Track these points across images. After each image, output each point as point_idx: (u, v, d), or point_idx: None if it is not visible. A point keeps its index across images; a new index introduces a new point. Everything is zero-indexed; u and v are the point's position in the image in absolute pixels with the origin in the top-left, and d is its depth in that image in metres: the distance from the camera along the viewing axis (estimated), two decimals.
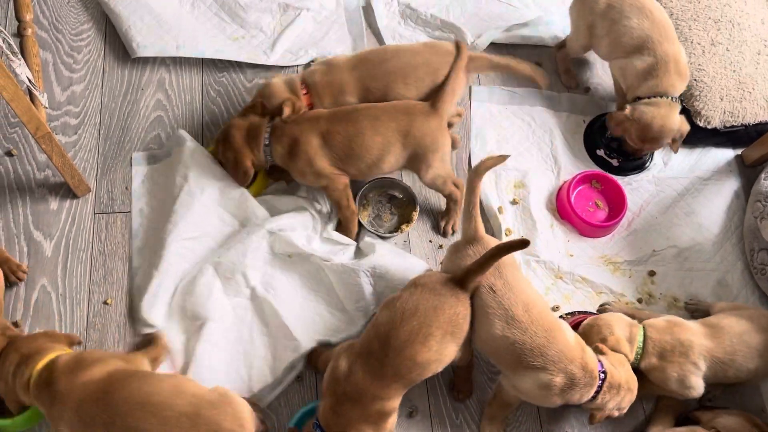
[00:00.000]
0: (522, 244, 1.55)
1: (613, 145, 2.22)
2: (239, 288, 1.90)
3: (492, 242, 1.68)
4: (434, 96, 1.90)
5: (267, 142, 1.89)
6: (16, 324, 1.84)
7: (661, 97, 2.02)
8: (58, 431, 1.49)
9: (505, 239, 2.09)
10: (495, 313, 1.59)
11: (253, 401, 1.72)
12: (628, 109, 2.05)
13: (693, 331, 1.76)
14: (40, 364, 1.52)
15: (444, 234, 2.09)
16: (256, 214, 1.97)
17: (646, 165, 2.25)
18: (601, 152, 2.23)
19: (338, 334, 1.87)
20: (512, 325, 1.57)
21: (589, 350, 1.62)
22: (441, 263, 1.83)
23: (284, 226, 1.94)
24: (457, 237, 2.02)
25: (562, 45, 2.34)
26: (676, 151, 2.14)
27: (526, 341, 1.57)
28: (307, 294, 1.93)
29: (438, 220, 2.11)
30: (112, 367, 1.53)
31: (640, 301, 2.04)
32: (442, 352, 1.56)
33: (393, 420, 1.59)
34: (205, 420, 1.44)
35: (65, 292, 1.91)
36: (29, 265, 1.93)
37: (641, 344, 1.74)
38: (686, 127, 2.07)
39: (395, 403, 1.57)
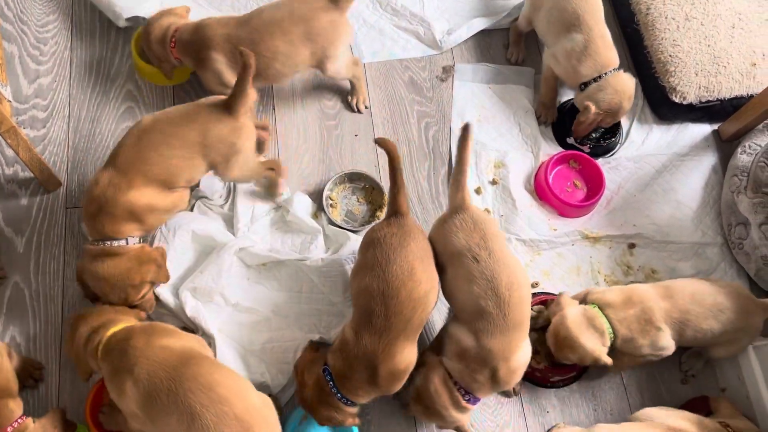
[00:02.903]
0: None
1: (589, 134, 2.21)
2: (221, 308, 1.86)
3: (478, 211, 1.68)
4: (230, 97, 1.74)
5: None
6: None
7: (606, 73, 2.04)
8: (121, 389, 1.46)
9: None
10: (477, 281, 1.57)
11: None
12: (593, 106, 2.04)
13: (649, 296, 1.78)
14: (111, 331, 1.55)
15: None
16: (222, 238, 1.93)
17: (616, 148, 2.24)
18: (571, 140, 2.22)
19: (330, 330, 1.85)
20: (489, 296, 1.56)
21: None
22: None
23: (250, 241, 1.92)
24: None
25: (517, 18, 2.34)
26: (620, 141, 2.23)
27: (494, 317, 1.55)
28: (291, 297, 1.90)
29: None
30: (188, 344, 1.54)
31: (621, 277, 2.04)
32: (430, 275, 1.61)
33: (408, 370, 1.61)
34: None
35: (39, 288, 1.88)
36: (1, 263, 1.89)
37: (611, 330, 1.74)
38: (633, 84, 2.09)
39: (409, 353, 1.59)
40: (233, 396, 1.40)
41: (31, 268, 1.90)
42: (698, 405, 1.87)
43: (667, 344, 1.76)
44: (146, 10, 2.17)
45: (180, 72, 2.12)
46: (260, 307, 1.88)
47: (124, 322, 1.60)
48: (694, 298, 1.78)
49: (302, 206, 2.01)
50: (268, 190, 2.01)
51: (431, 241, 1.69)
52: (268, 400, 1.50)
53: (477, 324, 1.56)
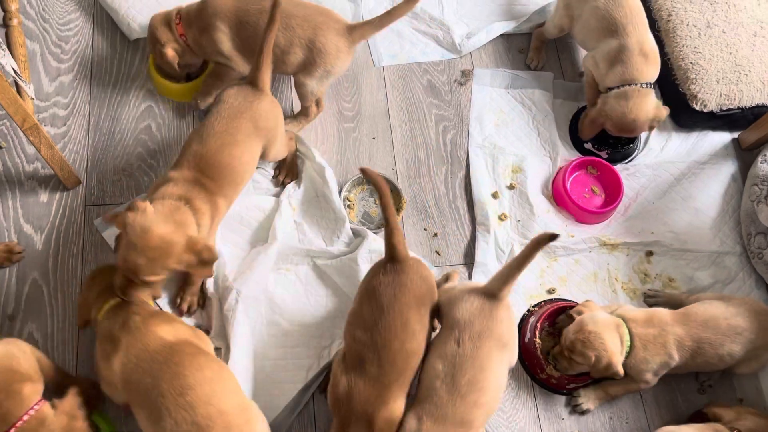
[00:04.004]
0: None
1: (604, 139, 2.19)
2: (251, 318, 1.85)
3: (506, 311, 1.58)
4: (254, 75, 1.80)
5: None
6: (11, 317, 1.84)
7: (630, 85, 2.00)
8: (109, 358, 1.51)
9: (499, 224, 2.07)
10: (445, 357, 1.51)
11: None
12: (600, 103, 2.04)
13: (667, 321, 1.77)
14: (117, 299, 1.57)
15: (282, 185, 2.05)
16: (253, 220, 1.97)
17: (634, 155, 2.22)
18: (588, 145, 2.21)
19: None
20: (447, 380, 1.49)
21: None
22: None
23: (284, 233, 1.94)
24: None
25: (542, 23, 2.32)
26: (650, 132, 2.17)
27: (443, 396, 1.48)
28: (316, 302, 1.90)
29: (276, 173, 2.07)
30: (183, 336, 1.55)
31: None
32: (425, 324, 1.57)
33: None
34: None
35: (57, 286, 1.89)
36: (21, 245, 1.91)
37: (629, 342, 1.74)
38: (663, 113, 2.05)
39: (401, 404, 1.54)
40: (199, 402, 1.42)
41: (49, 265, 1.91)
42: (696, 420, 1.84)
43: (657, 376, 1.77)
44: None
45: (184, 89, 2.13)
46: (282, 319, 1.87)
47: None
48: (707, 325, 1.76)
49: (333, 183, 2.02)
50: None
51: (440, 295, 1.64)
52: (249, 406, 1.49)
53: (424, 403, 1.50)
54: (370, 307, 1.54)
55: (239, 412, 1.46)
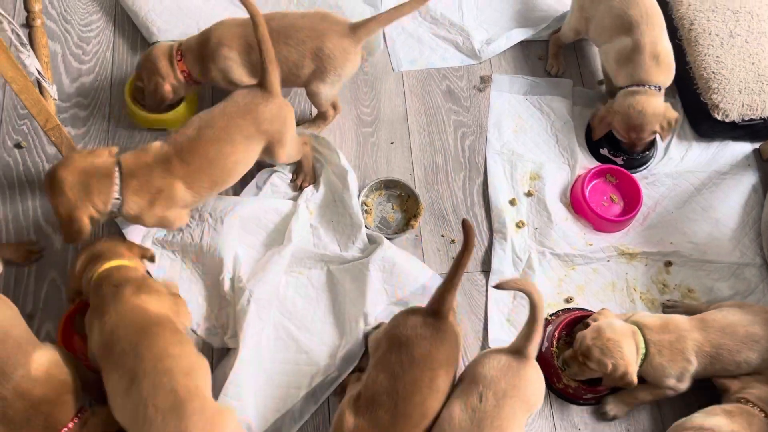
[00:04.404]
0: (469, 231, 1.48)
1: (620, 145, 2.16)
2: (263, 320, 1.85)
3: (533, 371, 1.54)
4: (263, 80, 1.78)
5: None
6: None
7: (639, 85, 2.00)
8: (91, 326, 1.54)
9: (516, 232, 2.06)
10: (464, 410, 1.48)
11: None
12: (607, 104, 2.04)
13: (684, 326, 1.76)
14: (108, 265, 1.60)
15: (300, 189, 2.04)
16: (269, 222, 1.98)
17: (651, 162, 2.21)
18: (604, 151, 2.20)
19: (355, 340, 1.83)
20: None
21: None
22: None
23: (299, 236, 1.94)
24: None
25: (558, 29, 2.32)
26: (664, 140, 2.14)
27: None
28: (325, 308, 1.90)
29: (293, 177, 2.05)
30: (163, 311, 1.56)
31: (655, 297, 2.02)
32: (448, 385, 1.53)
33: None
34: (179, 422, 1.39)
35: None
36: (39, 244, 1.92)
37: (645, 350, 1.73)
38: (673, 114, 2.04)
39: None
40: (178, 372, 1.42)
41: (68, 265, 1.92)
42: None
43: (688, 381, 1.75)
44: (180, 33, 2.19)
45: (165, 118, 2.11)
46: (290, 323, 1.87)
47: (125, 258, 1.64)
48: (725, 331, 1.74)
49: (354, 187, 2.01)
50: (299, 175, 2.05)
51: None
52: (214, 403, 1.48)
53: None
54: (400, 355, 1.49)
55: (210, 395, 1.47)
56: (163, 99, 1.98)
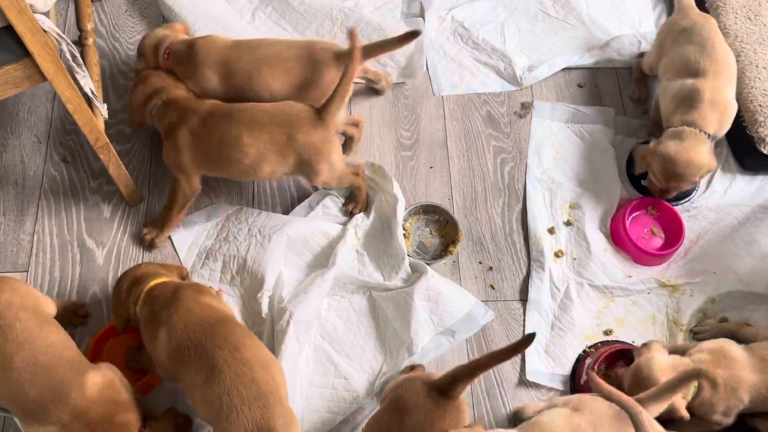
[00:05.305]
0: (525, 343, 1.43)
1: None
2: (308, 335, 1.86)
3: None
4: (322, 105, 1.80)
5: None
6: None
7: (691, 130, 1.94)
8: (155, 334, 1.55)
9: (555, 261, 2.04)
10: None
11: None
12: (652, 143, 1.99)
13: (741, 364, 1.70)
14: (153, 282, 1.63)
15: (350, 214, 2.05)
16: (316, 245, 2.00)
17: (692, 195, 2.17)
18: (645, 182, 2.17)
19: (395, 369, 1.83)
20: None
21: None
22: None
23: (344, 260, 1.95)
24: None
25: (642, 53, 2.31)
26: (696, 187, 2.12)
27: None
28: (365, 333, 1.90)
29: (345, 203, 2.06)
30: (227, 309, 1.63)
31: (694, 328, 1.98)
32: None
33: None
34: (265, 410, 1.43)
35: None
36: (81, 273, 1.95)
37: (695, 384, 1.68)
38: (714, 165, 1.98)
39: None
40: (256, 362, 1.46)
41: (109, 280, 1.94)
42: None
43: (734, 417, 1.70)
44: None
45: None
46: (330, 347, 1.86)
47: (165, 276, 1.67)
48: None
49: (401, 216, 2.01)
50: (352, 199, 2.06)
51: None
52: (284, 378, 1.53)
53: None
54: (394, 418, 1.44)
55: (282, 384, 1.50)
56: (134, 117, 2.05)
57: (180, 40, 2.01)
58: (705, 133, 1.96)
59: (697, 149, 1.94)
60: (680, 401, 1.66)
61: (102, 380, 1.48)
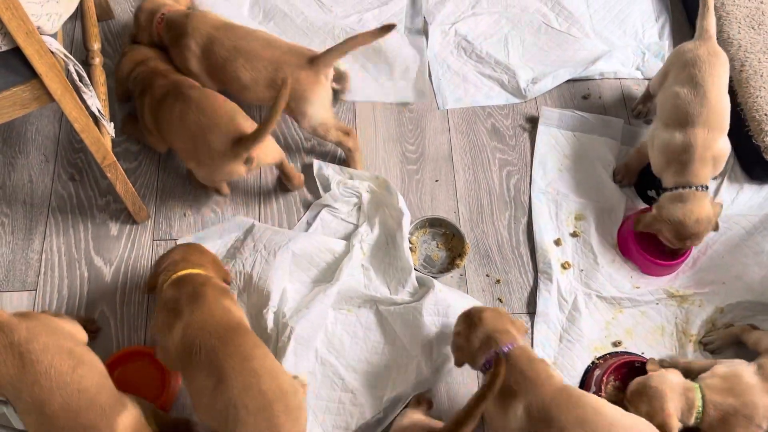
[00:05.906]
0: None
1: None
2: (312, 349, 1.86)
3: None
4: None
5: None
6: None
7: (685, 188, 1.89)
8: (171, 325, 1.57)
9: (562, 273, 2.04)
10: None
11: None
12: (654, 210, 1.95)
13: (755, 390, 1.66)
14: (187, 270, 1.66)
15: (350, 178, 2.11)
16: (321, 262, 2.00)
17: None
18: (652, 193, 2.16)
19: (405, 385, 1.82)
20: None
21: None
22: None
23: (349, 275, 1.95)
24: None
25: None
26: (720, 183, 2.12)
27: None
28: (372, 348, 1.89)
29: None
30: (242, 316, 1.64)
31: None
32: None
33: None
34: (270, 422, 1.45)
35: (123, 318, 1.92)
36: (89, 290, 1.95)
37: (701, 409, 1.65)
38: (719, 210, 1.95)
39: None
40: (265, 373, 1.48)
41: (117, 298, 1.95)
42: None
43: None
44: None
45: None
46: (337, 361, 1.86)
47: (202, 269, 1.69)
48: None
49: (407, 230, 2.02)
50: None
51: None
52: (298, 388, 1.55)
53: None
54: None
55: (292, 393, 1.51)
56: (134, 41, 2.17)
57: (177, 10, 2.09)
58: (701, 188, 1.90)
59: (701, 206, 1.89)
60: (675, 420, 1.63)
61: (132, 422, 1.46)
